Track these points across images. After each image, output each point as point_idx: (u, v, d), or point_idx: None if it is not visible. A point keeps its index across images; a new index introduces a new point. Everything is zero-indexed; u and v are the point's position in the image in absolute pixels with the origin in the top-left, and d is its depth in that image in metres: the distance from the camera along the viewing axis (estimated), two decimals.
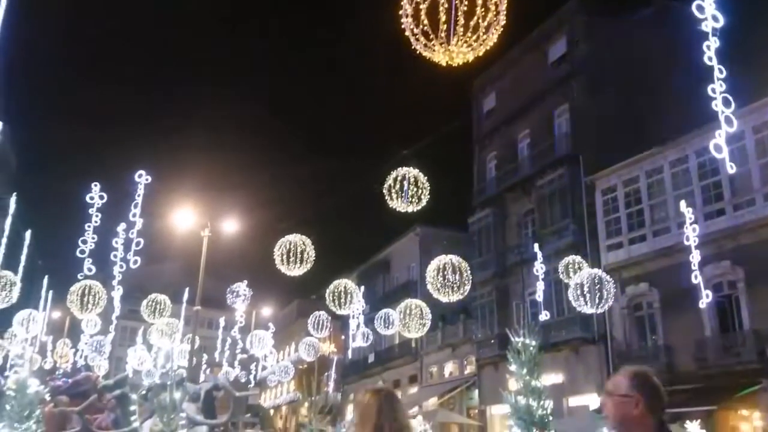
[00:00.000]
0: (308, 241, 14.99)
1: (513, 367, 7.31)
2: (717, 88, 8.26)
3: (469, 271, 15.21)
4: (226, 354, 33.83)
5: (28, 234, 22.19)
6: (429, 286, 15.05)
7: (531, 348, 7.37)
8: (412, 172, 13.05)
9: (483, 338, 29.21)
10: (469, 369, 31.70)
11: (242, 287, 22.82)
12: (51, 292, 26.89)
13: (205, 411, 11.88)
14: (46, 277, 26.21)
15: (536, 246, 17.90)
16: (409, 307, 18.49)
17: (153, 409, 8.75)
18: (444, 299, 15.03)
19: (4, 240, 19.84)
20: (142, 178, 14.62)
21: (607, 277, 14.98)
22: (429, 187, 13.06)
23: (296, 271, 14.81)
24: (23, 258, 21.02)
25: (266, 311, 41.32)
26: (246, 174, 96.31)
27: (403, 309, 18.51)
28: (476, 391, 30.38)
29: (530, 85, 29.49)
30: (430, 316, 18.71)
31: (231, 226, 24.14)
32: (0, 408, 4.31)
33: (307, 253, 14.84)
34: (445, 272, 14.77)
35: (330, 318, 24.52)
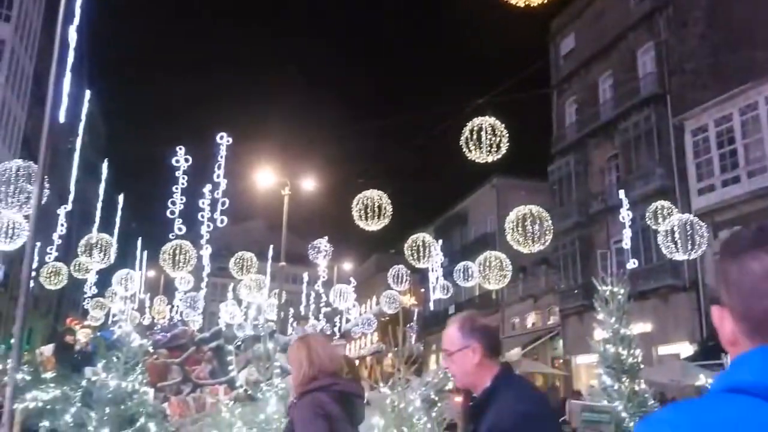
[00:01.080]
0: (385, 196, 15.04)
1: (600, 316, 7.12)
2: None
3: (549, 221, 14.84)
4: (311, 308, 34.91)
5: (120, 198, 23.44)
6: (508, 238, 14.79)
7: (619, 296, 7.15)
8: (488, 120, 12.74)
9: (566, 288, 28.77)
10: (552, 319, 31.39)
11: (323, 243, 23.32)
12: (145, 252, 28.43)
13: None
14: (140, 238, 27.69)
15: (621, 192, 17.18)
16: (488, 259, 18.34)
17: (248, 359, 9.17)
18: (524, 250, 14.75)
19: (99, 204, 21.06)
20: (224, 140, 15.00)
21: (699, 222, 14.28)
22: (507, 135, 12.73)
23: (374, 226, 14.93)
24: (118, 221, 22.27)
25: (347, 266, 42.22)
26: (323, 132, 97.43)
27: (483, 261, 18.38)
28: (560, 342, 30.15)
29: (611, 23, 28.00)
30: (510, 267, 18.50)
31: (310, 183, 24.64)
32: (108, 360, 4.62)
33: (384, 208, 14.90)
34: (525, 223, 14.46)
35: (409, 271, 24.75)
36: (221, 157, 14.85)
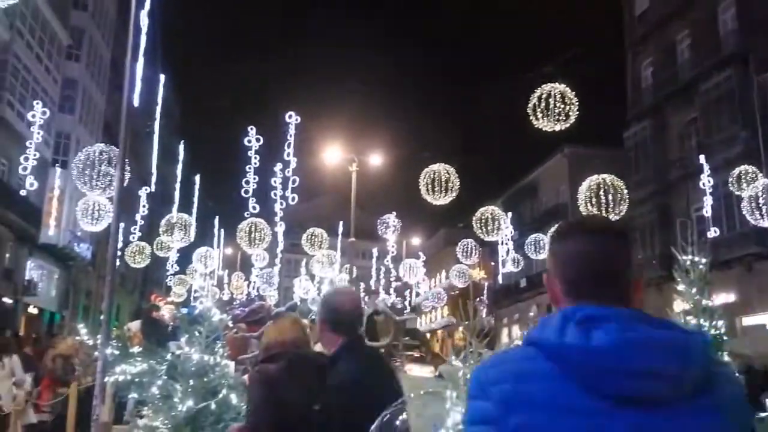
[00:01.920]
0: (452, 170, 14.93)
1: (681, 287, 6.83)
2: None
3: (625, 190, 14.34)
4: (382, 282, 35.28)
5: (197, 178, 24.25)
6: (581, 208, 14.41)
7: (701, 266, 6.83)
8: (558, 88, 12.35)
9: (644, 259, 27.87)
10: None
11: (391, 218, 23.42)
12: (222, 230, 29.41)
13: (368, 334, 12.56)
14: (217, 217, 28.66)
15: (702, 157, 16.43)
16: None
17: None
18: None
19: (178, 185, 21.87)
20: (293, 118, 15.21)
21: None
22: (577, 103, 12.31)
23: (441, 200, 14.86)
24: (195, 201, 23.07)
25: (415, 240, 42.36)
26: (389, 106, 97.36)
27: None
28: None
29: None
30: None
31: (377, 159, 24.75)
32: (191, 335, 4.82)
33: (452, 182, 14.81)
34: (599, 192, 14.04)
35: (478, 245, 24.56)
36: (290, 135, 15.08)
